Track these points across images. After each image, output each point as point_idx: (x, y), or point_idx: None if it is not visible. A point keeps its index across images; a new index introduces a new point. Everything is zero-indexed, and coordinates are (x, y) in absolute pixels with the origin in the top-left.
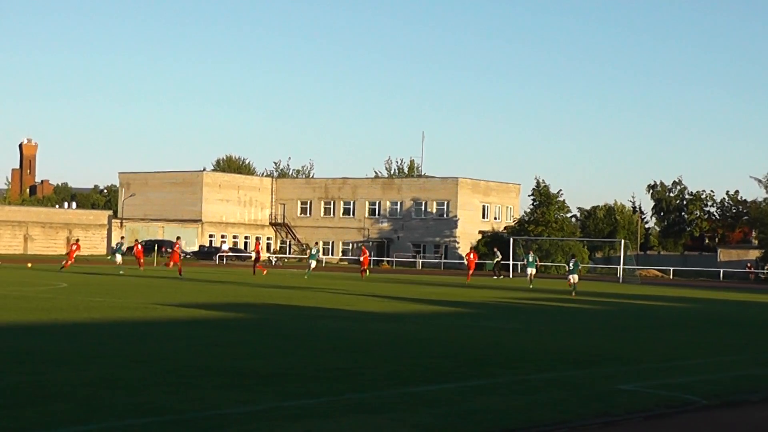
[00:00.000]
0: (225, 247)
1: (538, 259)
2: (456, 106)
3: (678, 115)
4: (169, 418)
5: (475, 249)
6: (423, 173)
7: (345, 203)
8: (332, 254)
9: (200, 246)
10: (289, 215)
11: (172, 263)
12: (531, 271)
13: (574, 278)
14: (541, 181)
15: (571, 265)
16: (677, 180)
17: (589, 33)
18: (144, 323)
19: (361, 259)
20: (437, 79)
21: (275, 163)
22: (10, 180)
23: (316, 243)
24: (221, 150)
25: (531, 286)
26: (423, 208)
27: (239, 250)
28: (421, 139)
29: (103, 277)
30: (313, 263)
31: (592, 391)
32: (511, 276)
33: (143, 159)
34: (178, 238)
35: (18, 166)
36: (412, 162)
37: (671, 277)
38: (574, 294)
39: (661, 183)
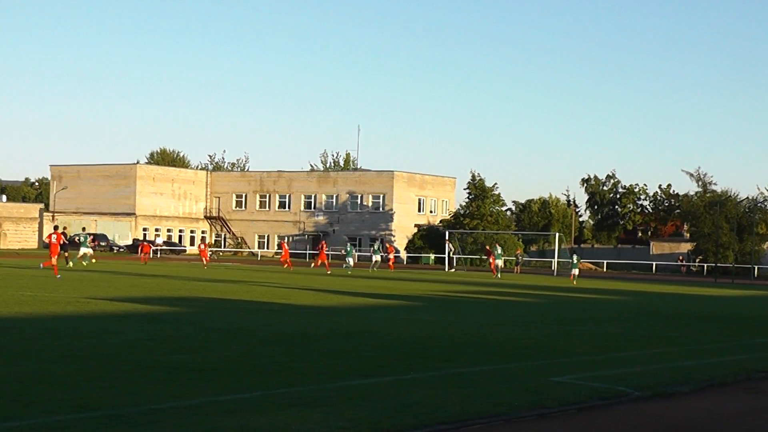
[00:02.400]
0: (159, 240)
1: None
2: (391, 99)
3: (611, 109)
4: (103, 413)
5: (390, 242)
6: (359, 167)
7: (280, 197)
8: (267, 248)
9: (134, 239)
10: (224, 209)
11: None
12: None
13: (575, 272)
14: (476, 174)
15: (574, 259)
16: (611, 174)
17: (522, 28)
18: (76, 318)
19: (320, 252)
20: (372, 73)
21: (210, 156)
22: None
23: (379, 240)
24: (155, 143)
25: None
26: (359, 202)
27: (173, 244)
28: (357, 133)
29: (34, 270)
30: (376, 257)
31: (526, 384)
32: (446, 269)
33: (75, 151)
34: (145, 235)
35: None
36: (347, 155)
37: (605, 270)
38: (575, 282)
39: (595, 177)
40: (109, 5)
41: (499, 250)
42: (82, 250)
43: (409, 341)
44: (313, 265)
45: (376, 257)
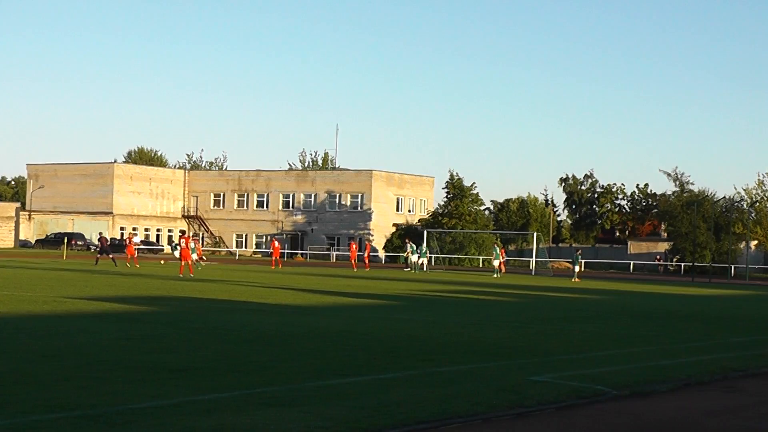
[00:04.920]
0: (136, 239)
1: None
2: (369, 99)
3: (589, 109)
4: (80, 413)
5: (355, 240)
6: (337, 166)
7: (259, 196)
8: (245, 247)
9: (111, 239)
10: (202, 208)
11: (129, 258)
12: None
13: (577, 269)
14: (454, 174)
15: (579, 257)
16: (588, 173)
17: (500, 26)
18: (53, 317)
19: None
20: (350, 72)
21: (188, 156)
22: None
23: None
24: (133, 142)
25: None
26: (337, 201)
27: (151, 243)
28: (335, 132)
29: (10, 270)
30: (415, 257)
31: (504, 383)
32: (425, 269)
33: (52, 150)
34: (132, 234)
35: None
36: (326, 155)
37: (582, 269)
38: (577, 279)
39: (573, 176)
40: (87, 3)
41: (497, 251)
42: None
43: (388, 340)
44: (354, 266)
45: (415, 258)
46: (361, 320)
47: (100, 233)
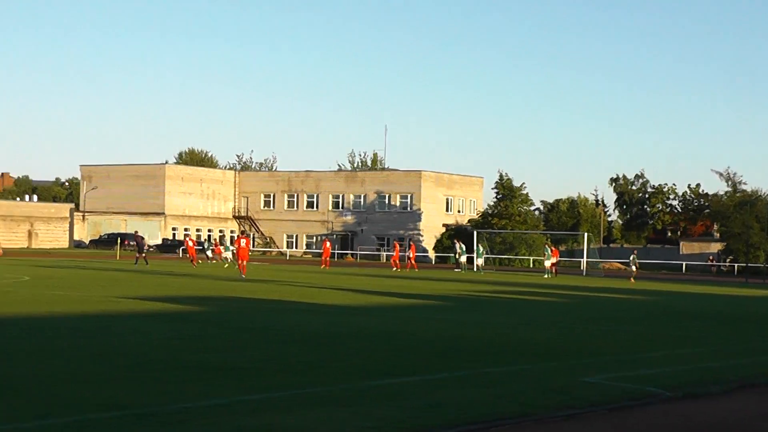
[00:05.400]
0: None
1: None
2: (419, 99)
3: (640, 108)
4: (132, 412)
5: (410, 240)
6: (386, 166)
7: (308, 196)
8: (296, 247)
9: (163, 239)
10: (253, 208)
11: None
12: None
13: (633, 269)
14: (504, 174)
15: (635, 258)
16: (639, 173)
17: (552, 27)
18: (106, 317)
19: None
20: (400, 73)
21: (238, 156)
22: None
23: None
24: (184, 143)
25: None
26: (386, 201)
27: (202, 244)
28: (384, 133)
29: (64, 270)
30: (464, 258)
31: (555, 384)
32: (475, 269)
33: (105, 151)
34: (189, 236)
35: None
36: (375, 155)
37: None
38: (633, 280)
39: (624, 176)
40: (135, 6)
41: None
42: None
43: (437, 341)
44: (408, 266)
45: (464, 258)
46: (409, 320)
47: (136, 232)
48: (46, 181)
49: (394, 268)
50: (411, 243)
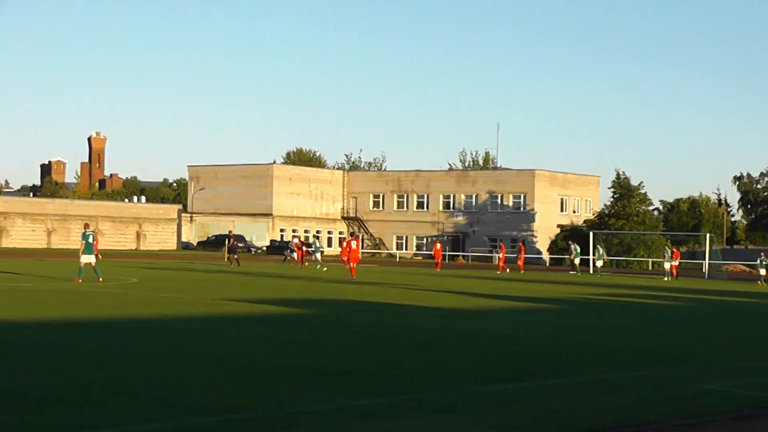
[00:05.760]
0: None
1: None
2: (532, 96)
3: (764, 104)
4: (242, 417)
5: (521, 242)
6: (498, 165)
7: (418, 196)
8: (406, 249)
9: (271, 241)
10: (362, 209)
11: (296, 261)
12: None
13: (762, 273)
14: (621, 173)
15: (764, 260)
16: (765, 171)
17: (670, 22)
18: (215, 320)
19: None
20: (512, 69)
21: (346, 156)
22: (79, 174)
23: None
24: (291, 142)
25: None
26: (499, 202)
27: (311, 245)
28: (496, 131)
29: (172, 272)
30: (578, 260)
31: (677, 391)
32: (591, 271)
33: (212, 152)
34: (297, 236)
35: (87, 160)
36: (487, 154)
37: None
38: (761, 283)
39: (748, 175)
40: (246, 11)
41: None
42: (318, 256)
43: (551, 345)
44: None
45: (578, 261)
46: (523, 324)
47: (230, 231)
48: (154, 182)
49: (499, 271)
50: (521, 244)
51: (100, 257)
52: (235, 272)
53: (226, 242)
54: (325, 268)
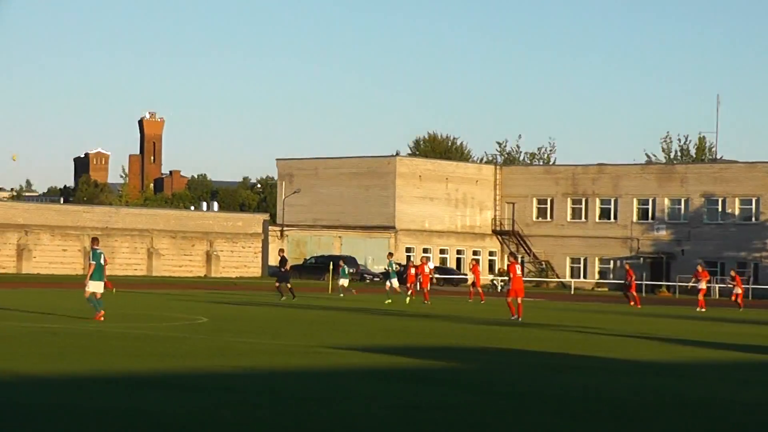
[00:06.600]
0: (430, 265)
1: None
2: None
3: None
4: None
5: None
6: (718, 156)
7: (602, 202)
8: (584, 276)
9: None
10: (521, 219)
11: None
12: None
13: None
14: None
15: None
16: None
17: None
18: (312, 374)
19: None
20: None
21: (499, 145)
22: (127, 171)
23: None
24: (420, 127)
25: None
26: (719, 209)
27: (449, 270)
28: (716, 107)
29: (255, 308)
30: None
31: None
32: None
33: (310, 141)
34: (424, 258)
35: (138, 152)
36: (701, 140)
37: None
38: None
39: None
40: None
41: None
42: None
43: None
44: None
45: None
46: (752, 385)
47: (281, 250)
48: (230, 182)
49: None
50: (627, 268)
51: (112, 288)
52: (339, 308)
53: (279, 266)
54: (408, 300)
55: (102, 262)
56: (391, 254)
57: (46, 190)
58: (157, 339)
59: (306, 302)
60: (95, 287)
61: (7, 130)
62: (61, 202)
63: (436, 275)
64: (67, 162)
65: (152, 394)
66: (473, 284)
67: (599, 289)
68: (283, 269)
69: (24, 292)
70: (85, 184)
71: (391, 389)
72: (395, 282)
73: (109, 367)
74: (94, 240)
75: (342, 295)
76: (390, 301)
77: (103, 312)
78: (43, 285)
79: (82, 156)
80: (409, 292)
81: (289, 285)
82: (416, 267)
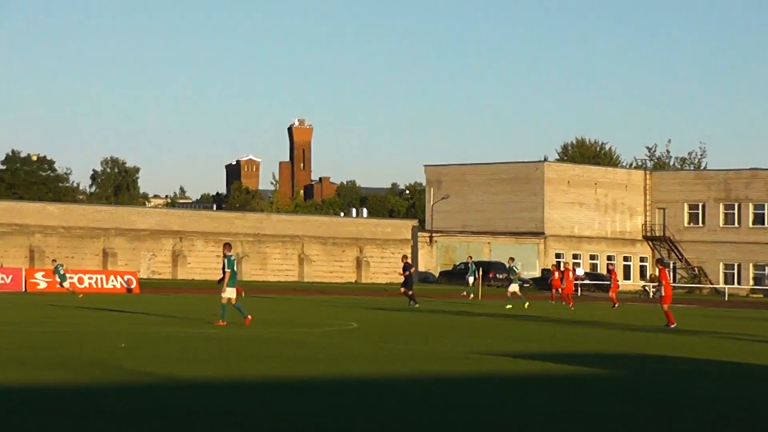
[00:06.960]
0: (579, 271)
1: None
2: None
3: None
4: None
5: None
6: None
7: (756, 207)
8: (739, 282)
9: (543, 270)
10: (672, 225)
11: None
12: None
13: None
14: None
15: None
16: None
17: None
18: (464, 380)
19: None
20: None
21: (648, 149)
22: (277, 177)
23: None
24: (568, 132)
25: None
26: None
27: (599, 276)
28: None
29: (401, 314)
30: None
31: None
32: None
33: (458, 147)
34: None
35: (287, 158)
36: None
37: None
38: None
39: None
40: None
41: None
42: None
43: None
44: None
45: None
46: None
47: (404, 256)
48: (379, 188)
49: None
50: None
51: (242, 293)
52: (484, 315)
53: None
54: (527, 304)
55: (236, 268)
56: (512, 259)
57: (199, 197)
58: (308, 344)
59: (455, 308)
60: (231, 293)
61: (163, 138)
62: (214, 208)
63: (586, 281)
64: (219, 169)
65: (316, 399)
66: (609, 289)
67: (754, 296)
68: (407, 273)
69: (178, 298)
70: (237, 191)
71: (538, 395)
72: (515, 287)
73: (271, 372)
74: (227, 246)
75: (509, 306)
76: (510, 306)
77: (224, 321)
78: (197, 291)
79: (234, 163)
80: (564, 301)
81: (410, 291)
82: (562, 272)
